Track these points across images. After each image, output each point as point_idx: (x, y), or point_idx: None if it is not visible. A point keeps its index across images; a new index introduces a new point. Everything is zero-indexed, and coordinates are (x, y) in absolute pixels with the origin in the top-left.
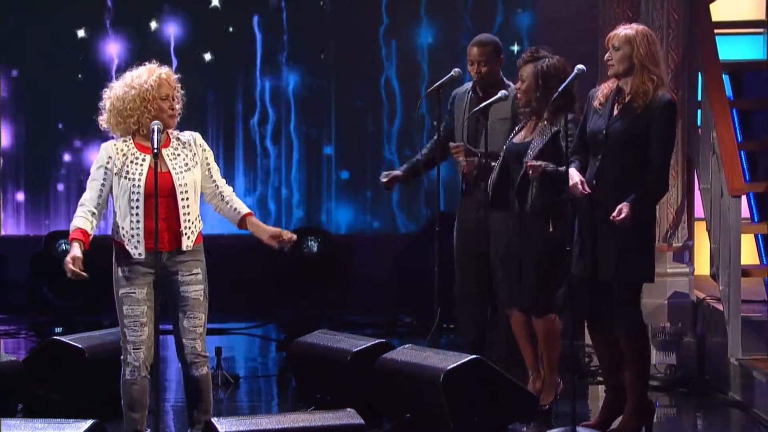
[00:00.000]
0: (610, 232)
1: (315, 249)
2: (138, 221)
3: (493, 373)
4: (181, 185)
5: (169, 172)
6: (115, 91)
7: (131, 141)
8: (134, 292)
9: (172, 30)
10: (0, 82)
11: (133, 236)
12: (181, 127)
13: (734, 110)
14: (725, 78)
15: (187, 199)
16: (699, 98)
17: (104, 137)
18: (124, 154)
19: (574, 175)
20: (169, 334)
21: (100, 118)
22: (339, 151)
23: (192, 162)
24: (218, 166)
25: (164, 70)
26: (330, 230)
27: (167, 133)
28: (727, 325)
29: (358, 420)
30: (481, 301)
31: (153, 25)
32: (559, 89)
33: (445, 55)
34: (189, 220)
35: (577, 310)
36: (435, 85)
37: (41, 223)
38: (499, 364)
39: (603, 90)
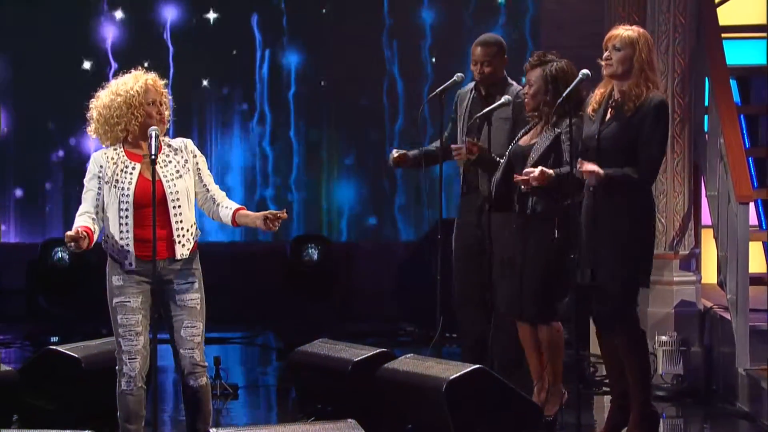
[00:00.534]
0: (605, 238)
1: (315, 257)
2: (127, 230)
3: (497, 382)
4: (171, 193)
5: (160, 180)
6: (101, 99)
7: (121, 149)
8: (128, 301)
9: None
10: None
11: (123, 246)
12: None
13: (742, 116)
14: (733, 83)
15: (179, 207)
16: (706, 103)
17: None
18: (114, 163)
19: (588, 165)
20: (164, 343)
21: (89, 128)
22: (340, 155)
23: (183, 169)
24: (217, 166)
25: (150, 76)
26: (330, 238)
27: (160, 140)
28: (735, 334)
29: (359, 431)
30: (480, 305)
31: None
32: (563, 94)
33: (448, 59)
34: (182, 228)
35: (582, 319)
36: (437, 90)
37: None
38: (500, 370)
39: (596, 96)
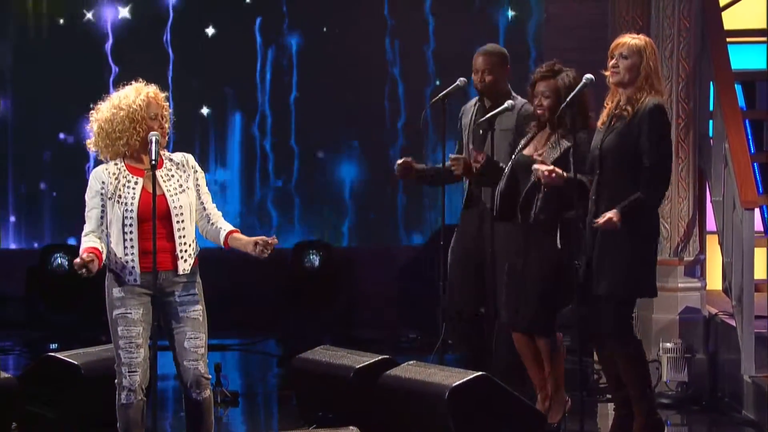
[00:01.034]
0: (607, 248)
1: (316, 263)
2: (132, 246)
3: (500, 390)
4: (176, 207)
5: (163, 194)
6: (102, 113)
7: (122, 163)
8: (129, 313)
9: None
10: None
11: (127, 262)
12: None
13: (747, 121)
14: (738, 88)
15: (182, 221)
16: (711, 108)
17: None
18: (116, 178)
19: (600, 219)
20: (163, 350)
21: (88, 141)
22: (341, 159)
23: (186, 184)
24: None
25: (152, 89)
26: (331, 243)
27: (161, 154)
28: (740, 341)
29: None
30: (474, 314)
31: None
32: (567, 99)
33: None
34: (185, 243)
35: (585, 327)
36: (440, 95)
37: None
38: (503, 378)
39: (606, 110)
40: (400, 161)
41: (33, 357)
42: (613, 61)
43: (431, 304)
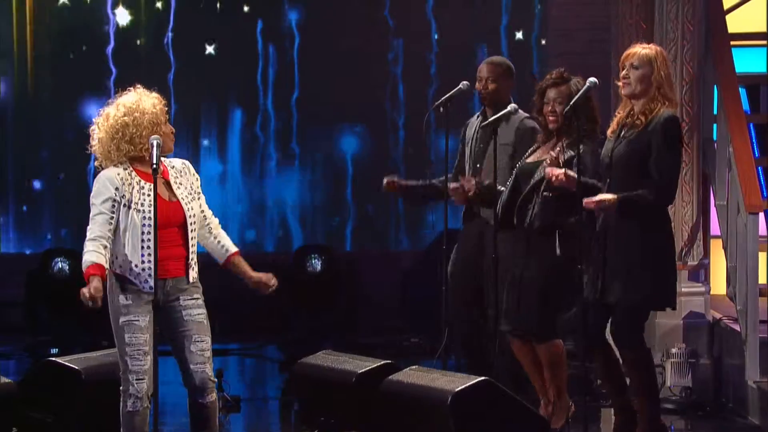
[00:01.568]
0: (617, 256)
1: (319, 267)
2: (149, 254)
3: (503, 395)
4: (191, 216)
5: (179, 201)
6: (122, 117)
7: (130, 168)
8: (137, 320)
9: None
10: None
11: (144, 270)
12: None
13: (751, 125)
14: (742, 91)
15: (194, 230)
16: (715, 112)
17: None
18: (129, 184)
19: (593, 198)
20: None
21: (93, 146)
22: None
23: (192, 191)
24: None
25: (155, 94)
26: (333, 247)
27: (162, 161)
28: (745, 346)
29: None
30: (473, 319)
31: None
32: (570, 102)
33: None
34: (194, 252)
35: (588, 332)
36: (442, 99)
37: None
38: (506, 383)
39: (616, 118)
40: (386, 180)
41: (33, 362)
42: (624, 72)
43: (434, 308)
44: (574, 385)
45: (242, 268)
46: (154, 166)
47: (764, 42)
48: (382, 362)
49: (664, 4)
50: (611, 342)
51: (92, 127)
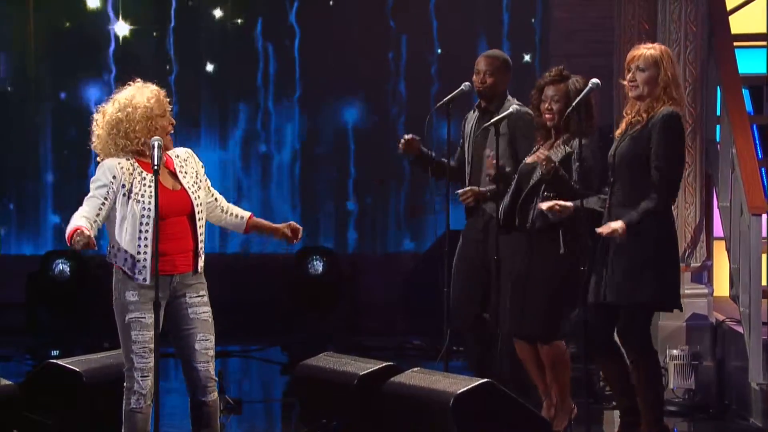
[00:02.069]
0: (620, 256)
1: (320, 269)
2: (146, 245)
3: (505, 397)
4: (198, 205)
5: (185, 189)
6: (116, 113)
7: (133, 159)
8: (144, 317)
9: None
10: None
11: (138, 261)
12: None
13: (754, 126)
14: (745, 92)
15: (202, 219)
16: (718, 113)
17: None
18: (130, 174)
19: (604, 228)
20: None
21: (93, 141)
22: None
23: (197, 179)
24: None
25: (155, 87)
26: (335, 249)
27: (165, 152)
28: (748, 348)
29: None
30: (477, 321)
31: None
32: (572, 104)
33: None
34: (202, 240)
35: (591, 334)
36: (444, 100)
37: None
38: (509, 386)
39: (624, 119)
40: (407, 136)
41: (34, 364)
42: (630, 75)
43: (436, 310)
44: (577, 387)
45: (264, 225)
46: (155, 167)
47: (764, 43)
48: (384, 364)
49: (667, 4)
50: (619, 344)
51: (92, 125)
